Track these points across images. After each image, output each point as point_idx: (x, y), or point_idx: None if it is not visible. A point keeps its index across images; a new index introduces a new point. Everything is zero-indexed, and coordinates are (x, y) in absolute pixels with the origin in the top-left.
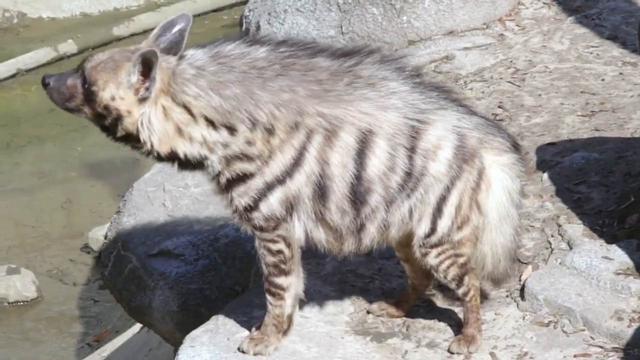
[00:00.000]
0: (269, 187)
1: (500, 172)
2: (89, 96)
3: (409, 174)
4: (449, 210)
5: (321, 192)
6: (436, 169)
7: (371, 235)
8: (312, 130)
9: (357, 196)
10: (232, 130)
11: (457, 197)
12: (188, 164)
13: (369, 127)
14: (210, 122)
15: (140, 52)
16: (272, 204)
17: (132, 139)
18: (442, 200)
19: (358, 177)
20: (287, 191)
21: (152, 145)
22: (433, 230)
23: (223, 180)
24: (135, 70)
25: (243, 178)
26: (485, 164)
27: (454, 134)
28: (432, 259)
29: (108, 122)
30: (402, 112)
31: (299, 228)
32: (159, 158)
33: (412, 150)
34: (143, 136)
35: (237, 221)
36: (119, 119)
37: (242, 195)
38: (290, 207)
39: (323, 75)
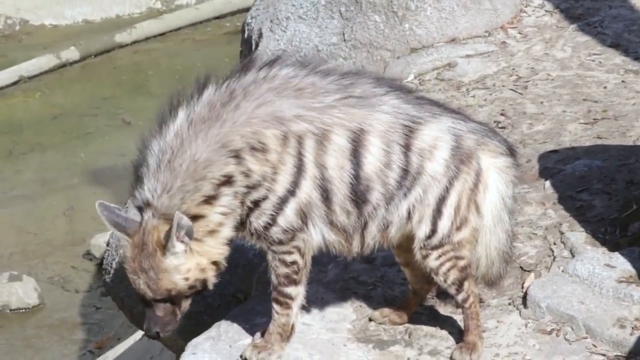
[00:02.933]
0: (284, 201)
1: (496, 174)
2: (176, 299)
3: (405, 171)
4: (448, 211)
5: (325, 195)
6: (433, 169)
7: (372, 233)
8: (300, 136)
9: (358, 195)
10: (227, 181)
11: (455, 197)
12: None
13: (360, 126)
14: (208, 199)
15: (178, 220)
16: (289, 215)
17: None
18: (442, 200)
19: (356, 177)
20: (299, 200)
21: (217, 268)
22: (434, 231)
23: (243, 212)
24: (182, 238)
25: (257, 203)
26: (482, 165)
27: (450, 135)
28: (432, 261)
29: (197, 288)
30: (392, 114)
31: (316, 234)
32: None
33: (406, 147)
34: (211, 273)
35: (254, 241)
36: (202, 282)
37: (259, 217)
38: (304, 215)
39: (304, 86)
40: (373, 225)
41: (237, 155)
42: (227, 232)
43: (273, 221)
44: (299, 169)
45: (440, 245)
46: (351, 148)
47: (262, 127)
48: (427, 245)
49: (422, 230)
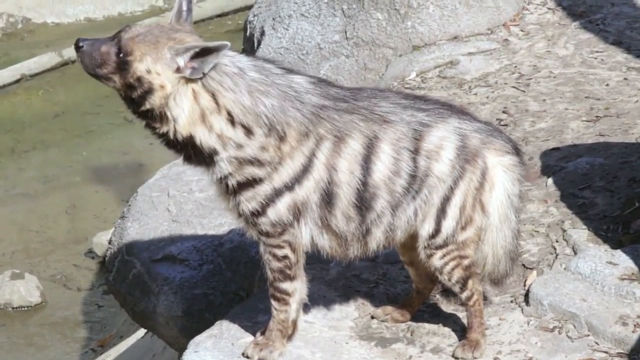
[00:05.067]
0: (277, 194)
1: (502, 173)
2: (122, 65)
3: (413, 177)
4: (452, 210)
5: (328, 198)
6: (439, 170)
7: (377, 239)
8: (321, 137)
9: (363, 202)
10: (248, 131)
11: (460, 197)
12: (198, 155)
13: (375, 133)
14: (230, 118)
15: (214, 44)
16: (280, 209)
17: (153, 116)
18: (446, 200)
19: (364, 183)
20: (295, 197)
21: (175, 126)
22: (437, 231)
23: (232, 182)
24: (189, 55)
25: (252, 183)
26: (488, 164)
27: (456, 135)
28: (436, 261)
29: (136, 94)
30: (406, 123)
31: (306, 234)
32: (171, 143)
33: (415, 152)
34: (171, 113)
35: (243, 225)
36: (149, 92)
37: (249, 200)
38: (298, 213)
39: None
40: (378, 231)
41: (270, 127)
42: (201, 134)
43: (262, 210)
44: (306, 168)
45: (444, 244)
46: (364, 154)
47: (297, 121)
48: (432, 245)
49: (425, 230)
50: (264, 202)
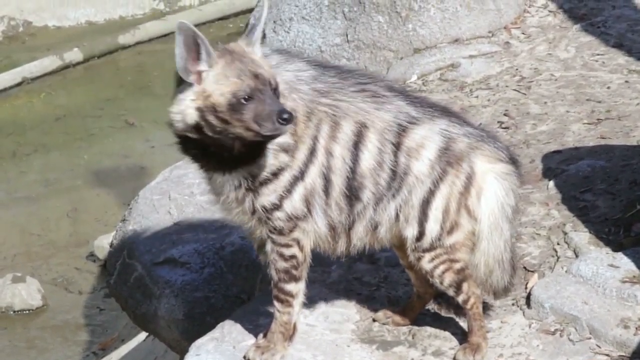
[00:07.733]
0: (294, 182)
1: (494, 180)
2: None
3: (394, 172)
4: (434, 214)
5: (327, 185)
6: (418, 169)
7: (359, 234)
8: (320, 119)
9: (352, 191)
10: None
11: (442, 200)
12: (254, 154)
13: (364, 120)
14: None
15: (263, 18)
16: (295, 200)
17: None
18: (426, 202)
19: (353, 172)
20: (306, 186)
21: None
22: (422, 234)
23: (264, 175)
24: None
25: (277, 173)
26: (476, 169)
27: (440, 136)
28: (426, 264)
29: None
30: (393, 113)
31: (321, 222)
32: (243, 148)
33: (397, 146)
34: None
35: (254, 224)
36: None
37: (270, 194)
38: (309, 203)
39: (335, 81)
40: (360, 225)
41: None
42: None
43: (280, 203)
44: (312, 152)
45: (431, 248)
46: (354, 140)
47: (303, 100)
48: (418, 248)
49: (409, 232)
50: (282, 194)
